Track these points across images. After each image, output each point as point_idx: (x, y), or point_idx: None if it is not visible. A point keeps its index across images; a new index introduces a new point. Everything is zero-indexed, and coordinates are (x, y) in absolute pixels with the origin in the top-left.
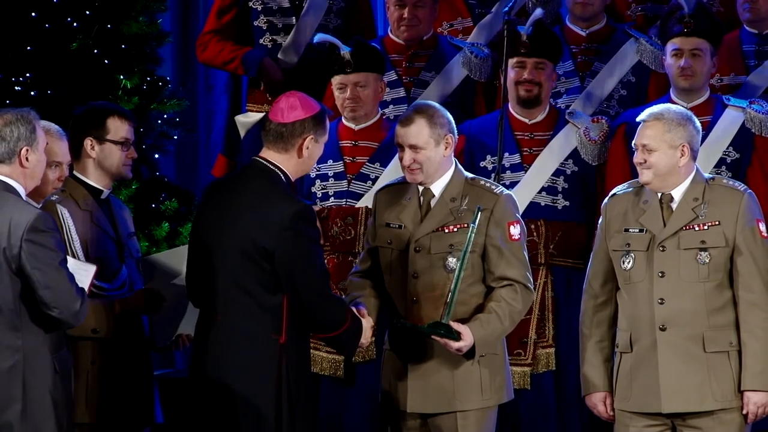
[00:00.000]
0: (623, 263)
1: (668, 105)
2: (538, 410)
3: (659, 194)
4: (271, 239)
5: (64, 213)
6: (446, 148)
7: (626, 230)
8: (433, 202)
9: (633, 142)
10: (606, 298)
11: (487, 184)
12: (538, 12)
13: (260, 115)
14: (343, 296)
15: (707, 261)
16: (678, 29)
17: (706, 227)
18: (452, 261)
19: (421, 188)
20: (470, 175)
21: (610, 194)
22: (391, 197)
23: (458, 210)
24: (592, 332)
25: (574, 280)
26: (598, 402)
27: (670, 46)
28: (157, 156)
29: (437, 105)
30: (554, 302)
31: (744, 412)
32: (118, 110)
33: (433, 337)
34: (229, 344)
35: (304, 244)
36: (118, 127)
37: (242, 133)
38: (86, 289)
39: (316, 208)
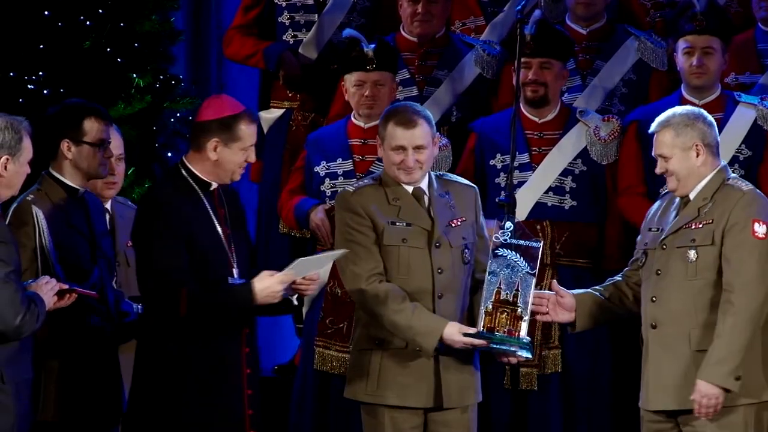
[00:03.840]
0: (640, 261)
1: (674, 109)
2: (544, 411)
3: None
4: None
5: (38, 214)
6: (435, 146)
7: (650, 229)
8: (426, 200)
9: (652, 153)
10: (635, 280)
11: (458, 179)
12: (537, 13)
13: (282, 111)
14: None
15: (694, 259)
16: (690, 27)
17: (700, 226)
18: (468, 253)
19: (409, 188)
20: (436, 172)
21: (661, 194)
22: (374, 198)
23: (450, 204)
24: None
25: (583, 280)
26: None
27: (681, 44)
28: (169, 154)
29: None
30: None
31: (690, 398)
32: (95, 110)
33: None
34: None
35: None
36: (95, 129)
37: (265, 129)
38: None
39: (326, 206)
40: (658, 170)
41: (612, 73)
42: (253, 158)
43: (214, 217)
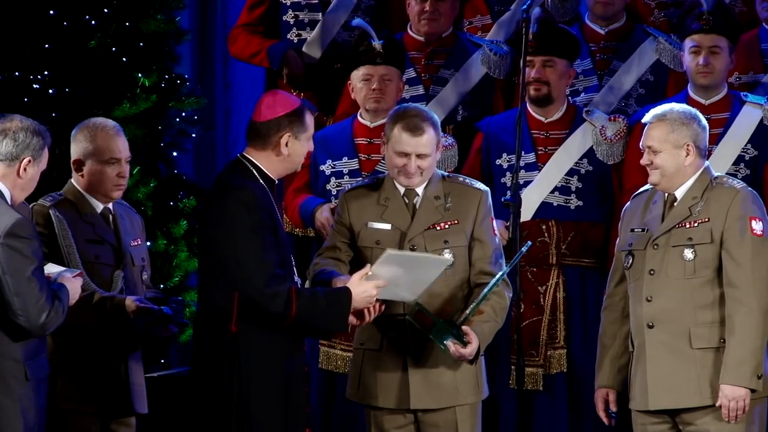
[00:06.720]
0: (626, 262)
1: (672, 104)
2: (551, 412)
3: (666, 194)
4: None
5: None
6: (439, 151)
7: (632, 230)
8: (417, 201)
9: (639, 143)
10: (619, 298)
11: (467, 181)
12: (537, 11)
13: None
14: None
15: (692, 258)
16: (697, 26)
17: (696, 224)
18: (449, 256)
19: (401, 189)
20: (445, 172)
21: (632, 195)
22: (363, 198)
23: (444, 207)
24: (602, 330)
25: (589, 280)
26: (597, 399)
27: (688, 43)
28: (175, 154)
29: (428, 109)
30: (566, 303)
31: (717, 404)
32: None
33: (446, 342)
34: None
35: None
36: None
37: None
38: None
39: (331, 205)
40: (643, 161)
41: (629, 73)
42: (312, 146)
43: (280, 216)
